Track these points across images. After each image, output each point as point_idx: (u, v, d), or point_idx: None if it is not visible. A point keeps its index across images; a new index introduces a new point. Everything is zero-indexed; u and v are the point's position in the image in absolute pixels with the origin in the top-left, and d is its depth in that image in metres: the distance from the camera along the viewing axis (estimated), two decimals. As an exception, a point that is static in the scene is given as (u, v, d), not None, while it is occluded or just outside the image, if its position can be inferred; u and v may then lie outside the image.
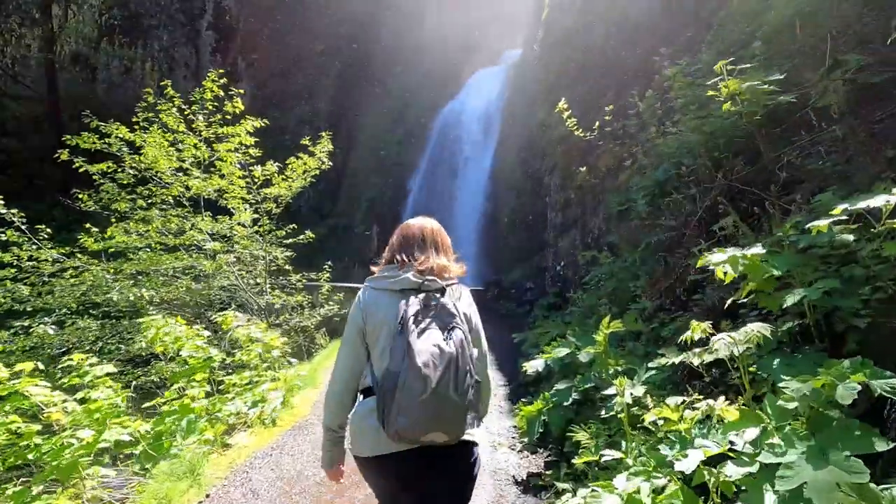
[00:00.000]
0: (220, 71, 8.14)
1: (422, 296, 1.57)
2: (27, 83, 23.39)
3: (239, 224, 7.70)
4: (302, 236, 8.57)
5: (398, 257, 1.72)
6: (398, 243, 1.77)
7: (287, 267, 9.17)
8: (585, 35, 9.61)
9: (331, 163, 8.75)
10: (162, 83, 8.20)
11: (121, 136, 7.38)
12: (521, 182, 20.32)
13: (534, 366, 3.58)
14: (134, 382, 4.14)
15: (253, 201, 8.00)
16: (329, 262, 9.53)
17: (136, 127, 7.21)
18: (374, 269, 1.78)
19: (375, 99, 30.53)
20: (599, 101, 9.29)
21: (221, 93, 8.02)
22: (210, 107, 7.93)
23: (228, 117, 8.11)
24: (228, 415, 3.84)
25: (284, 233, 8.98)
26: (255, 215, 8.02)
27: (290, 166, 8.38)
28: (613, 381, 2.38)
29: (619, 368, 2.70)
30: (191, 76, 27.66)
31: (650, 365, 2.48)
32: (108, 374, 3.64)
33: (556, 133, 10.17)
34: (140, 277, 7.27)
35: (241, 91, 8.18)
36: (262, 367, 5.17)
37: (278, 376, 4.97)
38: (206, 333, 4.65)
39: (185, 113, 7.88)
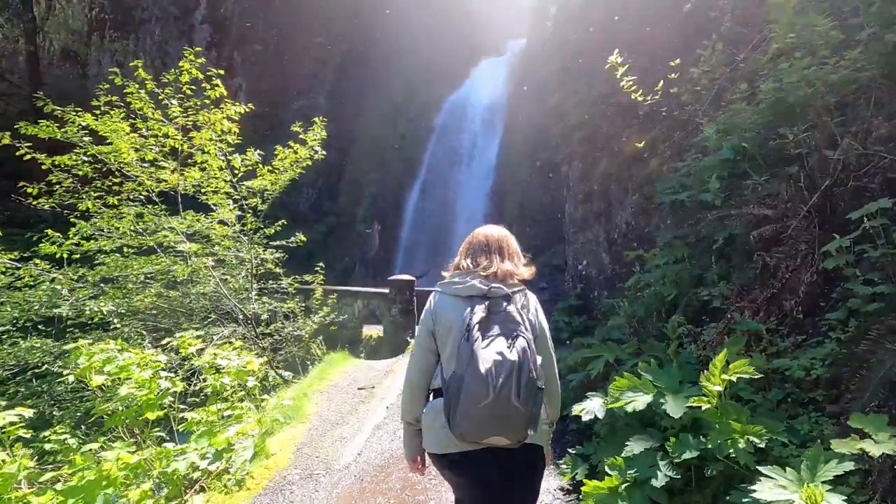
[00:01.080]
0: (200, 60, 7.15)
1: (487, 303, 1.63)
2: (13, 79, 22.53)
3: (219, 222, 6.73)
4: (293, 238, 7.59)
5: (464, 263, 1.81)
6: (465, 250, 1.86)
7: (278, 269, 8.20)
8: (610, 1, 8.58)
9: (325, 152, 7.76)
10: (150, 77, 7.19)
11: (84, 123, 6.41)
12: (528, 176, 19.31)
13: (589, 410, 2.60)
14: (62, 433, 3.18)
15: (237, 196, 7.03)
16: (321, 264, 8.56)
17: (97, 111, 6.23)
18: (444, 273, 1.86)
19: (376, 92, 29.49)
20: (632, 77, 8.26)
21: (200, 75, 7.05)
22: (187, 90, 6.96)
23: (207, 101, 7.14)
24: (176, 476, 2.87)
25: (273, 230, 8.00)
26: (239, 212, 7.05)
27: (278, 156, 7.40)
28: (765, 473, 1.41)
29: (758, 441, 1.72)
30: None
31: (837, 449, 1.50)
32: (12, 424, 2.68)
33: (575, 117, 9.14)
34: (104, 286, 6.31)
35: (221, 72, 7.19)
36: (238, 396, 4.20)
37: (252, 411, 3.99)
38: (163, 359, 3.66)
39: (160, 98, 6.90)
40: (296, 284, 8.48)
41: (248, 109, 7.27)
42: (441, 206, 22.55)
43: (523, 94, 22.62)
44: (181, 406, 3.97)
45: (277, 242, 7.54)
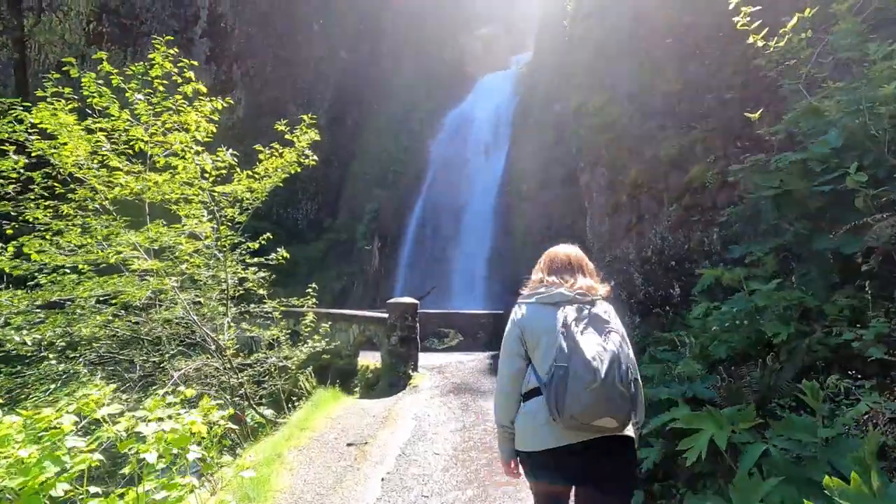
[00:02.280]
0: (173, 51, 6.24)
1: (575, 305, 1.78)
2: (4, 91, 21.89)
3: (190, 235, 5.68)
4: (273, 255, 6.51)
5: (548, 279, 1.92)
6: (547, 267, 1.97)
7: (261, 291, 7.12)
8: (639, -9, 7.68)
9: (315, 158, 6.73)
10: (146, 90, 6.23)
11: (32, 120, 5.43)
12: (536, 190, 18.34)
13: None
14: None
15: (211, 206, 5.98)
16: (314, 285, 7.46)
17: (43, 105, 5.24)
18: (523, 290, 1.99)
19: (378, 106, 28.85)
20: (663, 73, 7.29)
21: (174, 69, 6.10)
22: (159, 86, 5.99)
23: (179, 97, 6.18)
24: None
25: (258, 245, 6.93)
26: (213, 224, 6.00)
27: (261, 163, 6.39)
28: None
29: None
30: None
31: None
32: None
33: (599, 119, 8.15)
34: (41, 312, 5.22)
35: (195, 63, 6.25)
36: (178, 466, 3.06)
37: (199, 489, 2.85)
38: (68, 420, 2.54)
39: (127, 95, 5.93)
40: (282, 307, 7.38)
41: (225, 104, 6.30)
42: (445, 222, 21.55)
43: (531, 105, 21.85)
44: (91, 491, 2.81)
45: (257, 260, 6.47)
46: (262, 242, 7.08)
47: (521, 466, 1.84)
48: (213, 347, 6.08)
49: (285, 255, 6.51)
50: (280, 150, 6.52)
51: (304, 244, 26.21)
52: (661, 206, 7.17)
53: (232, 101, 6.08)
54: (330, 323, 8.87)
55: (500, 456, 1.90)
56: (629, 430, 1.68)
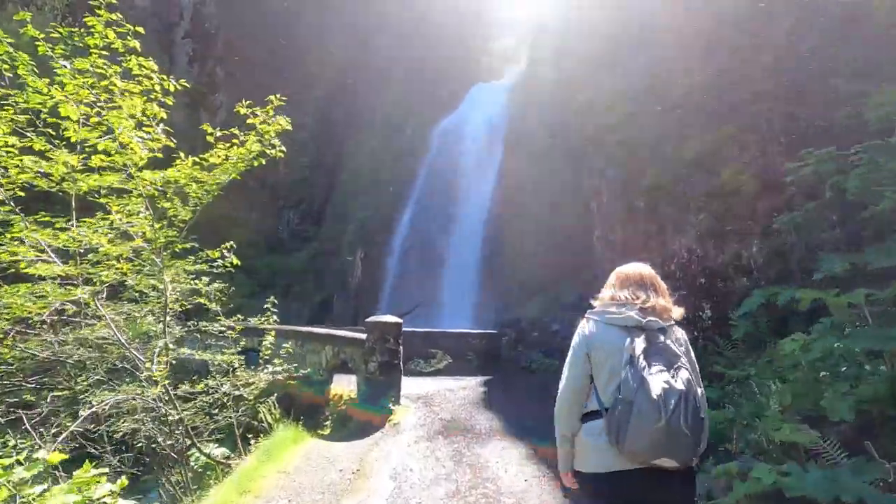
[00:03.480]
0: (114, 16, 5.25)
1: (646, 334, 1.72)
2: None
3: (109, 230, 4.53)
4: (220, 261, 5.35)
5: (621, 295, 1.87)
6: (619, 284, 1.92)
7: (213, 306, 5.97)
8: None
9: (284, 148, 5.63)
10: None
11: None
12: (531, 201, 17.38)
13: None
14: None
15: (141, 191, 4.81)
16: (272, 298, 6.29)
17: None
18: (594, 303, 1.96)
19: (368, 114, 27.88)
20: (685, 63, 6.40)
21: (117, 41, 5.05)
22: (99, 61, 4.91)
23: (118, 69, 5.12)
24: None
25: (218, 253, 5.78)
26: (149, 222, 4.84)
27: (216, 152, 5.27)
28: None
29: None
30: (162, 86, 24.88)
31: None
32: None
33: (611, 116, 7.23)
34: None
35: (140, 29, 5.18)
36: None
37: None
38: None
39: (54, 65, 4.82)
40: (240, 326, 6.21)
41: (180, 87, 5.24)
42: (434, 235, 20.53)
43: (525, 116, 21.10)
44: None
45: (196, 267, 5.31)
46: (224, 251, 5.93)
47: (578, 485, 1.83)
48: (144, 375, 4.88)
49: (235, 260, 5.36)
50: (242, 137, 5.43)
51: (285, 255, 24.90)
52: (684, 212, 6.21)
53: (186, 84, 5.03)
54: (300, 343, 7.69)
55: (559, 465, 1.91)
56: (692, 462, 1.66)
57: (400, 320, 6.27)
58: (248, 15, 27.75)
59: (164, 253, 4.91)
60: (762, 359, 3.40)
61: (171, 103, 5.22)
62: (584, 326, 1.84)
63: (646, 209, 6.69)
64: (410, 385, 7.37)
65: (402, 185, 23.72)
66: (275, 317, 6.61)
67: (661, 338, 1.69)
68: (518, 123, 21.21)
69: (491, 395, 7.21)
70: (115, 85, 4.89)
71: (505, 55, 30.78)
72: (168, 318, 5.25)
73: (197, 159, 4.90)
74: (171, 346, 5.22)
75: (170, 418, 5.27)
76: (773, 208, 5.09)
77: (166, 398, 5.24)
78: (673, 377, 1.57)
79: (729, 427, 3.02)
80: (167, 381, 4.71)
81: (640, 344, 1.65)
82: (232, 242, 6.05)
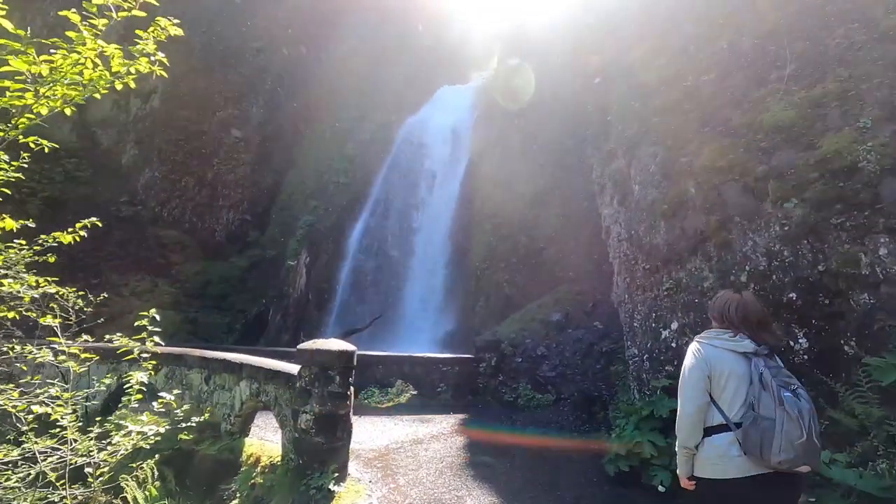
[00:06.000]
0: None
1: (762, 358, 2.09)
2: None
3: None
4: (42, 238, 3.03)
5: (731, 323, 2.24)
6: (732, 310, 2.26)
7: (49, 319, 3.63)
8: None
9: (165, 70, 3.63)
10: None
11: None
12: (502, 206, 15.68)
13: None
14: None
15: None
16: (149, 312, 3.92)
17: None
18: (709, 331, 2.31)
19: (323, 109, 25.42)
20: (752, 6, 4.76)
21: None
22: None
23: None
24: None
25: (72, 239, 3.42)
26: None
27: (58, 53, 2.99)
28: None
29: None
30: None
31: None
32: None
33: (647, 76, 5.49)
34: None
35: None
36: None
37: None
38: None
39: None
40: (90, 349, 3.82)
41: None
42: (393, 240, 18.37)
43: (493, 120, 19.58)
44: None
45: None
46: (82, 233, 3.55)
47: (696, 489, 2.13)
48: None
49: (65, 236, 3.04)
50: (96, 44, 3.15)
51: (221, 260, 21.73)
52: (760, 201, 4.48)
53: None
54: (205, 376, 5.32)
55: (679, 470, 2.19)
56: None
57: (352, 348, 4.09)
58: (190, -8, 24.77)
59: None
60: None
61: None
62: (699, 351, 2.18)
63: (699, 197, 4.92)
64: (362, 431, 5.21)
65: (358, 191, 21.47)
66: (156, 338, 4.23)
67: (773, 361, 2.12)
68: (485, 129, 19.68)
69: (476, 449, 5.15)
70: None
71: (474, 61, 29.59)
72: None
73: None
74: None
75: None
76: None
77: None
78: (798, 397, 1.96)
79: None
80: None
81: (761, 365, 2.04)
82: (91, 221, 3.68)
